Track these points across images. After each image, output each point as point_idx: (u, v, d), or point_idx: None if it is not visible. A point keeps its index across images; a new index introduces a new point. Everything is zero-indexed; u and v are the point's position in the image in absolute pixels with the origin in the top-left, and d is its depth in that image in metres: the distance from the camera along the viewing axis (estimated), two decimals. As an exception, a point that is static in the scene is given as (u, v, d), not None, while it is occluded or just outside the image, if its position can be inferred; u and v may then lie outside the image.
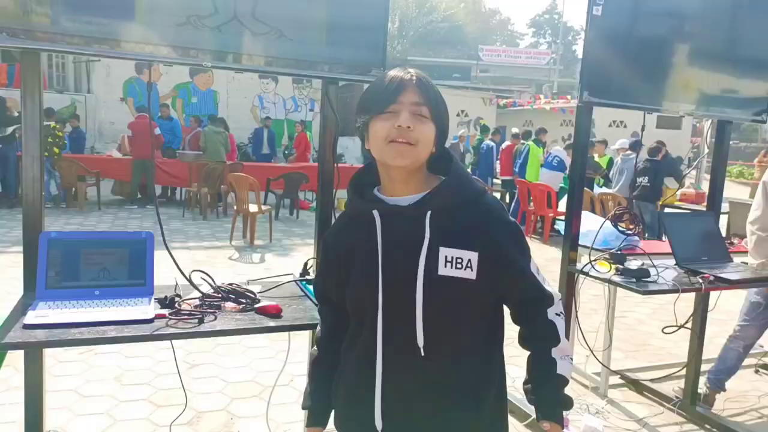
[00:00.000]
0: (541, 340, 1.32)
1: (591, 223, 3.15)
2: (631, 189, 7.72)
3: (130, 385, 3.27)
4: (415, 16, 38.42)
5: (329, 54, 2.03)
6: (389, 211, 1.25)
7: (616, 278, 2.61)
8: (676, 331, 2.63)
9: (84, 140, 11.80)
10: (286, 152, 14.76)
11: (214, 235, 7.93)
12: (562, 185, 8.86)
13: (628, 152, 8.26)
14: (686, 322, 2.71)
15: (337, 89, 2.19)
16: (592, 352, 2.91)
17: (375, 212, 1.24)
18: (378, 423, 1.24)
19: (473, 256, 1.20)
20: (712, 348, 3.57)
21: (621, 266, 2.65)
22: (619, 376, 3.71)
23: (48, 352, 2.03)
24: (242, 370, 3.56)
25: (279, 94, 17.45)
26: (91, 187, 9.55)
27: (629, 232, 2.95)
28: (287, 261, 6.59)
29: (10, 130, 8.99)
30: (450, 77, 31.76)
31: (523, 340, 1.35)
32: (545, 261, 7.35)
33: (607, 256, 2.76)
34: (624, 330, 4.73)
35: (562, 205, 8.27)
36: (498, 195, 10.51)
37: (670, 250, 2.87)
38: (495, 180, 11.02)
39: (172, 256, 1.83)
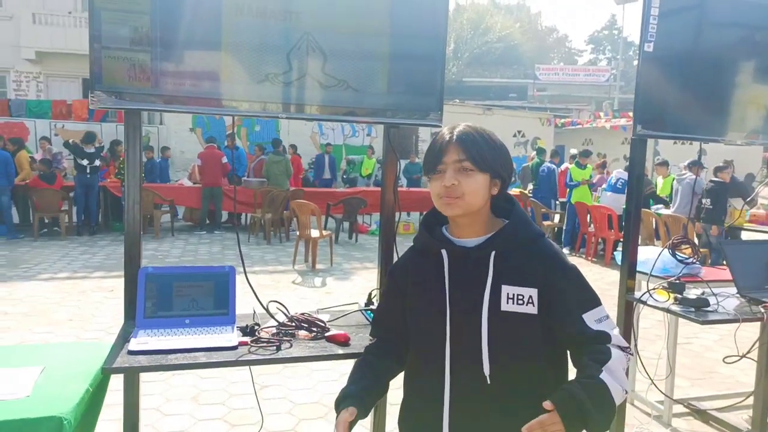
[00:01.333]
0: (592, 357, 1.28)
1: (650, 253, 3.17)
2: (696, 210, 7.53)
3: (207, 405, 3.52)
4: (471, 37, 38.63)
5: (390, 101, 2.21)
6: (456, 251, 1.39)
7: (675, 307, 2.63)
8: (738, 361, 2.61)
9: (158, 170, 12.56)
10: (345, 177, 15.14)
11: (278, 259, 8.26)
12: (624, 207, 8.70)
13: (683, 173, 8.06)
14: (749, 351, 2.68)
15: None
16: (652, 380, 2.91)
17: (444, 251, 1.40)
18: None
19: (533, 292, 1.32)
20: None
21: (680, 295, 2.67)
22: (683, 404, 3.65)
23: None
24: (308, 392, 3.75)
25: (337, 120, 17.93)
26: (165, 215, 10.14)
27: (689, 260, 2.95)
28: (347, 285, 6.80)
29: (94, 162, 9.71)
30: (506, 97, 31.67)
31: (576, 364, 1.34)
32: (606, 285, 7.25)
33: (665, 284, 2.78)
34: (690, 357, 4.63)
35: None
36: (557, 217, 10.40)
37: (731, 278, 2.86)
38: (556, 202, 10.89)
39: (253, 290, 2.04)
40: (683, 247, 3.02)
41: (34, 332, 4.75)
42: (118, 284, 6.29)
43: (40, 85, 17.39)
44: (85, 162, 9.52)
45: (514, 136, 19.91)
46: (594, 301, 1.36)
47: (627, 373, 1.44)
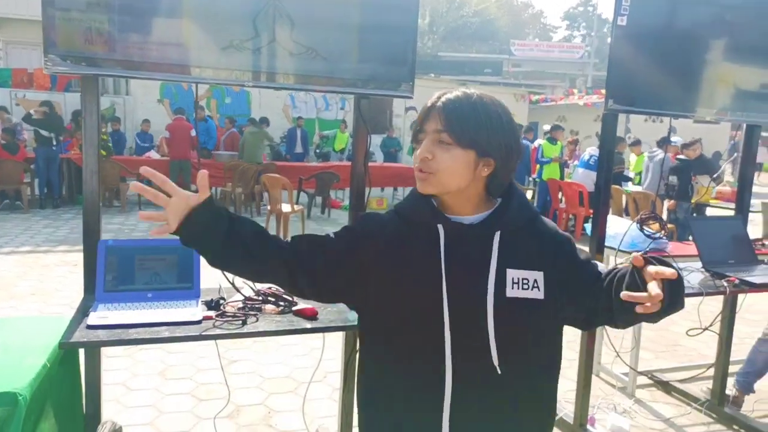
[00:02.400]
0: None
1: (618, 226, 3.21)
2: (665, 187, 7.66)
3: (174, 380, 3.47)
4: (446, 11, 38.29)
5: (361, 71, 2.15)
6: (453, 228, 1.22)
7: (641, 282, 2.66)
8: (701, 333, 2.67)
9: (125, 142, 12.23)
10: (317, 151, 14.98)
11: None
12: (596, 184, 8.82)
13: (655, 150, 8.18)
14: (711, 324, 2.74)
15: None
16: (617, 353, 2.97)
17: (440, 227, 1.22)
18: None
19: (539, 276, 1.21)
20: (744, 348, 3.57)
21: (646, 270, 2.70)
22: (647, 376, 3.75)
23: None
24: (278, 367, 3.73)
25: (310, 93, 17.70)
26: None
27: (656, 235, 2.99)
28: (320, 259, 6.76)
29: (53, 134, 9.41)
30: (481, 72, 31.59)
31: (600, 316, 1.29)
32: (576, 260, 7.36)
33: (628, 258, 2.80)
34: (655, 330, 4.73)
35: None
36: (530, 193, 10.49)
37: (697, 253, 2.91)
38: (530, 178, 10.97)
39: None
40: (651, 222, 3.05)
41: (-5, 307, 4.61)
42: (81, 259, 6.14)
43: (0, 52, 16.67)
44: (49, 134, 9.23)
45: (489, 112, 19.88)
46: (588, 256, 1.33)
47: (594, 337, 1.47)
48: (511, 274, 1.20)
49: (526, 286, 1.20)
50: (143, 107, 15.58)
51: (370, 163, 2.41)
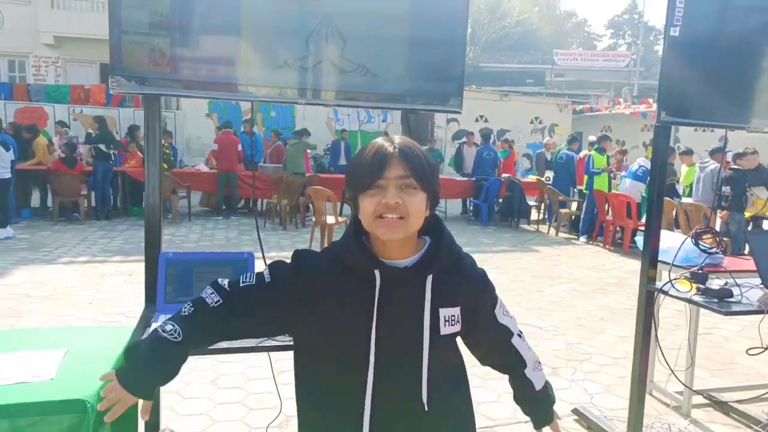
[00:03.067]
0: (512, 368, 1.49)
1: (671, 240, 3.12)
2: (718, 199, 7.40)
3: (226, 389, 3.55)
4: (488, 22, 38.17)
5: (411, 86, 2.18)
6: (389, 272, 1.23)
7: (697, 298, 2.59)
8: (762, 353, 2.56)
9: (177, 156, 12.64)
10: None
11: (294, 245, 8.29)
12: (644, 195, 8.59)
13: (707, 160, 7.92)
14: (773, 343, 2.64)
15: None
16: (672, 371, 2.88)
17: (377, 272, 1.23)
18: None
19: (457, 311, 1.30)
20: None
21: (702, 286, 2.63)
22: (703, 395, 3.61)
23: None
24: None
25: (353, 105, 17.87)
26: (182, 200, 10.22)
27: (712, 250, 2.90)
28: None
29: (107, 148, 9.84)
30: (523, 83, 31.31)
31: (495, 368, 1.53)
32: (624, 273, 7.18)
33: (688, 274, 2.73)
34: (710, 347, 4.57)
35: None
36: (575, 205, 10.29)
37: (755, 268, 2.80)
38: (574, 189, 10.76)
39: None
40: (706, 236, 2.96)
41: (56, 315, 4.82)
42: (136, 268, 6.37)
43: (58, 69, 17.53)
44: (109, 149, 9.70)
45: (531, 122, 19.70)
46: (495, 294, 1.45)
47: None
48: (443, 312, 1.27)
49: (453, 322, 1.29)
50: (193, 121, 16.10)
51: None
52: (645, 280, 2.82)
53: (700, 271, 2.72)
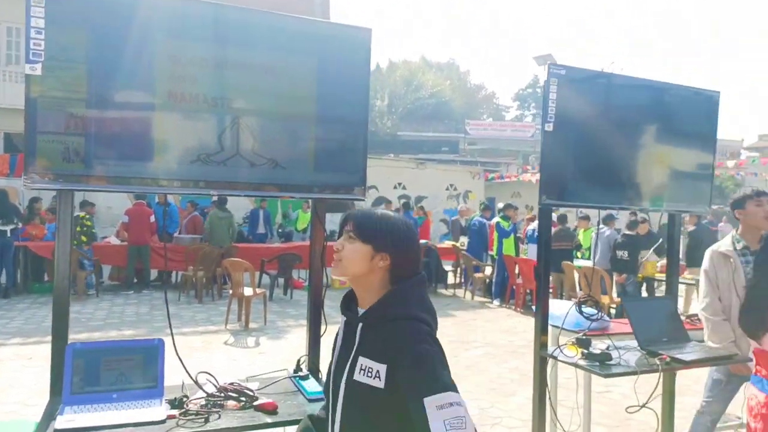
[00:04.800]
0: None
1: (562, 307, 3.43)
2: (612, 262, 8.06)
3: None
4: (404, 93, 40.10)
5: (317, 178, 2.38)
6: (348, 319, 1.56)
7: (582, 362, 2.86)
8: (639, 410, 2.85)
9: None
10: (280, 231, 15.10)
11: (210, 319, 8.10)
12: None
13: (602, 227, 8.66)
14: (648, 401, 2.94)
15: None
16: (564, 430, 3.11)
17: (342, 317, 1.58)
18: None
19: (382, 368, 1.39)
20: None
21: (586, 350, 2.92)
22: (601, 452, 3.87)
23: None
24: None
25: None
26: (90, 274, 9.76)
27: (594, 316, 3.23)
28: (281, 343, 6.76)
29: (8, 225, 9.31)
30: (439, 150, 32.81)
31: None
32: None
33: (573, 340, 3.02)
34: (609, 405, 4.90)
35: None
36: (489, 269, 10.77)
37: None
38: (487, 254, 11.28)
39: (182, 363, 2.09)
40: (590, 303, 3.30)
41: (-57, 407, 4.45)
42: (36, 351, 6.00)
43: (-43, 137, 16.56)
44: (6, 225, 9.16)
45: (447, 189, 20.59)
46: (441, 386, 1.33)
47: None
48: (362, 361, 1.45)
49: (370, 374, 1.42)
50: (104, 193, 15.53)
51: (331, 243, 2.59)
52: (538, 346, 3.08)
53: (584, 337, 3.02)
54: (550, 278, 8.63)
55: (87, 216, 9.83)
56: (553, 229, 9.90)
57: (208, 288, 9.68)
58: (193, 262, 9.48)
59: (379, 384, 1.39)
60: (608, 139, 3.13)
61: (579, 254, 9.55)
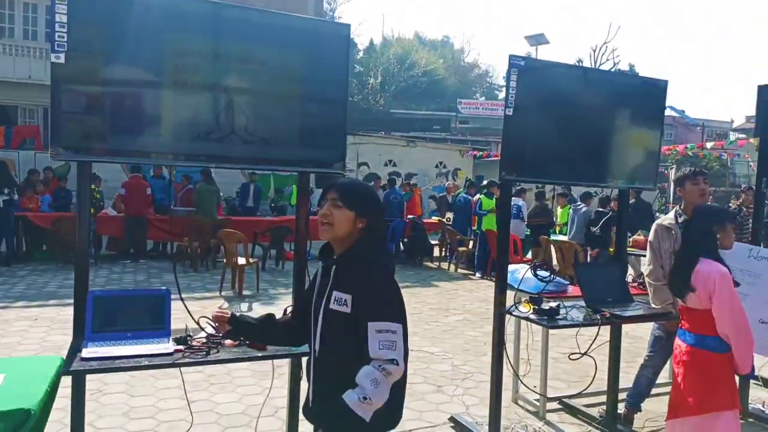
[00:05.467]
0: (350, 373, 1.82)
1: (521, 272, 3.86)
2: (586, 237, 8.51)
3: (137, 419, 3.84)
4: (397, 71, 40.07)
5: (302, 154, 2.76)
6: (325, 264, 1.99)
7: (532, 316, 3.29)
8: (581, 357, 3.29)
9: (71, 198, 12.21)
10: (272, 205, 15.44)
11: (205, 287, 8.51)
12: (527, 233, 9.62)
13: (579, 204, 9.09)
14: (588, 350, 3.36)
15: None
16: (518, 376, 3.55)
17: (320, 262, 2.03)
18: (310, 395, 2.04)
19: (348, 297, 1.87)
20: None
21: (537, 307, 3.34)
22: (557, 401, 4.34)
23: (62, 393, 2.61)
24: (233, 405, 4.14)
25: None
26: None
27: (548, 278, 3.65)
28: (273, 309, 7.11)
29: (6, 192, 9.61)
30: (431, 129, 33.03)
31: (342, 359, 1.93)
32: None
33: (527, 298, 3.44)
34: (572, 365, 5.35)
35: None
36: (472, 243, 11.21)
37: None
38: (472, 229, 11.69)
39: (186, 308, 2.48)
40: (545, 268, 3.72)
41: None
42: (41, 313, 6.40)
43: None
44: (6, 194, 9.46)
45: (437, 166, 20.94)
46: (384, 316, 1.81)
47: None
48: (335, 294, 1.91)
49: (340, 303, 1.89)
50: (100, 164, 15.76)
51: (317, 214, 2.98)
52: (497, 304, 3.50)
53: (537, 296, 3.45)
54: (530, 252, 9.04)
55: (96, 188, 10.16)
56: (532, 206, 10.35)
57: (203, 258, 10.07)
58: (188, 233, 9.84)
59: (347, 310, 1.87)
60: (563, 122, 3.51)
61: (557, 229, 9.98)
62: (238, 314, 2.24)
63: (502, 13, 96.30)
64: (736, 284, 2.91)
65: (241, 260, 8.05)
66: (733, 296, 2.84)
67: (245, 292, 8.02)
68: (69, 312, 6.87)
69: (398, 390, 1.88)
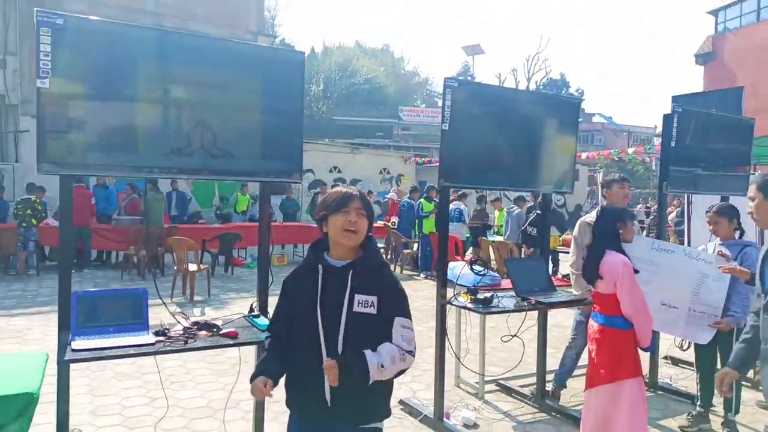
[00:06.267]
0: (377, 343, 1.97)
1: (460, 268, 4.33)
2: (522, 237, 9.17)
3: (104, 416, 4.04)
4: (339, 78, 40.46)
5: (264, 165, 3.10)
6: (329, 267, 2.03)
7: (470, 305, 3.75)
8: (511, 339, 3.78)
9: (8, 209, 11.81)
10: (218, 212, 15.45)
11: (155, 294, 8.56)
12: (468, 235, 10.20)
13: (512, 206, 9.77)
14: (517, 332, 3.85)
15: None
16: (459, 359, 3.99)
17: (320, 266, 2.04)
18: (327, 396, 1.99)
19: (374, 299, 1.99)
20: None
21: (474, 297, 3.80)
22: (495, 383, 4.83)
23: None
24: (196, 399, 4.40)
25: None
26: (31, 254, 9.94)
27: (482, 272, 4.13)
28: (225, 313, 7.32)
29: None
30: (373, 136, 33.61)
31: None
32: (453, 302, 8.55)
33: (465, 290, 3.91)
34: (509, 352, 5.89)
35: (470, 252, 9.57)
36: (416, 246, 11.72)
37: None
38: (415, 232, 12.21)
39: (163, 302, 2.78)
40: (478, 263, 4.20)
41: None
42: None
43: None
44: None
45: (381, 172, 21.46)
46: (406, 313, 2.04)
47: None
48: (358, 297, 2.00)
49: (366, 305, 2.00)
50: (35, 175, 15.30)
51: (274, 223, 3.32)
52: (439, 296, 3.94)
53: (473, 288, 3.91)
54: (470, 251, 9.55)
55: (38, 200, 9.99)
56: (471, 210, 10.97)
57: (150, 267, 10.09)
58: (134, 242, 9.86)
59: (373, 311, 1.99)
60: (493, 135, 4.00)
61: (495, 230, 10.63)
62: (274, 372, 2.03)
63: (440, 24, 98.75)
64: (636, 271, 3.45)
65: (192, 266, 8.20)
66: (634, 282, 3.37)
67: (197, 298, 8.17)
68: (17, 322, 6.87)
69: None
